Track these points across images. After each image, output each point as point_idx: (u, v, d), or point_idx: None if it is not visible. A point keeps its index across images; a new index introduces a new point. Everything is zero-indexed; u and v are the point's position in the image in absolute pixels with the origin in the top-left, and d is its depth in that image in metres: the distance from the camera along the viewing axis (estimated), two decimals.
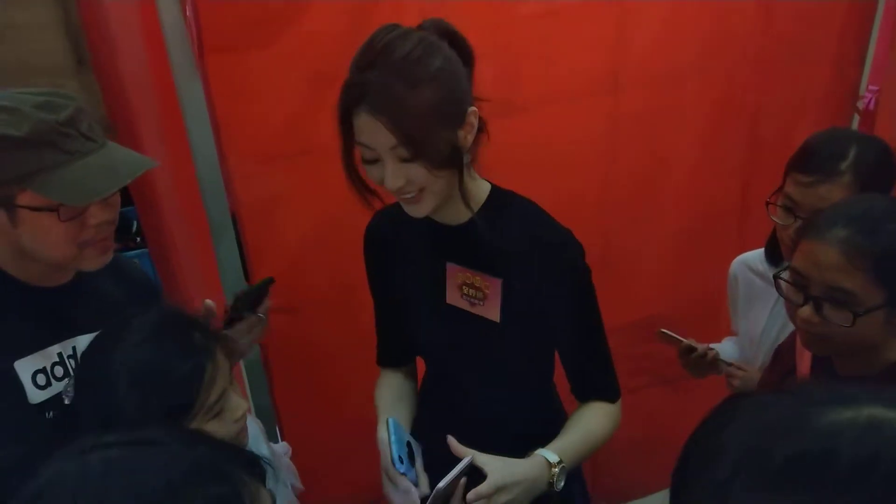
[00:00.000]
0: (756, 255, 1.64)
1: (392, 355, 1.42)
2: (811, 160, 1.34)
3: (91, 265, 1.12)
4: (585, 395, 1.31)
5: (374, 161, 1.06)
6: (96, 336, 1.04)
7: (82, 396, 1.00)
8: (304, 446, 1.63)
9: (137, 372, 0.94)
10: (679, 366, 1.81)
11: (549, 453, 1.17)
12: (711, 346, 1.68)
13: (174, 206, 1.63)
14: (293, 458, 1.48)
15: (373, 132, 1.02)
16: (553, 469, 1.16)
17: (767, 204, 1.41)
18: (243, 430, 1.07)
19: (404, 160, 1.04)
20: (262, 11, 1.39)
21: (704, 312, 2.21)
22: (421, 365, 1.45)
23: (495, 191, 1.22)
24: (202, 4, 1.34)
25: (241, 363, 1.62)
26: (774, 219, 1.40)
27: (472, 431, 1.31)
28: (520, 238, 1.18)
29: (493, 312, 1.21)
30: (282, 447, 1.46)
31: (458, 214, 1.18)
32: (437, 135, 1.04)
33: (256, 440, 1.28)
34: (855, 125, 2.12)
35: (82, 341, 1.13)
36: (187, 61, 1.36)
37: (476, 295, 1.21)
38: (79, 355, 1.11)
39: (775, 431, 0.48)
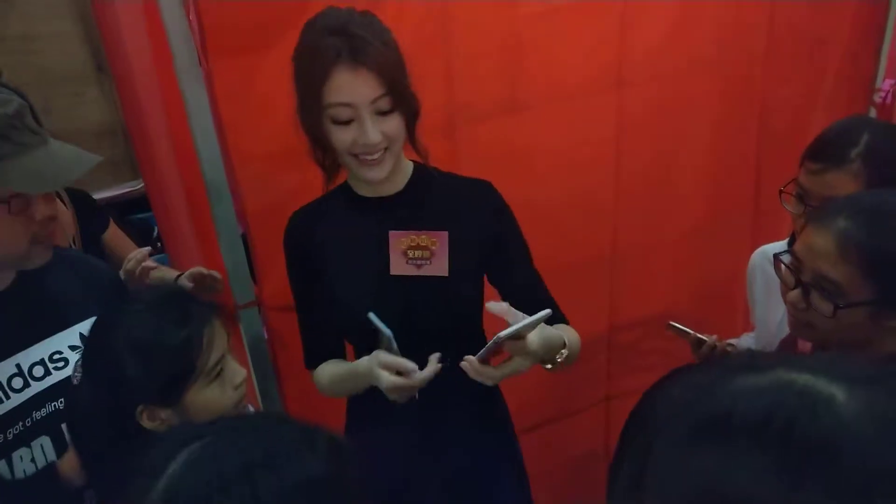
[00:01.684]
0: (777, 247, 1.62)
1: (324, 354, 1.39)
2: (822, 147, 1.32)
3: (37, 262, 1.12)
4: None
5: (348, 122, 1.12)
6: (99, 315, 1.09)
7: (89, 374, 1.04)
8: None
9: (138, 342, 0.99)
10: (692, 360, 1.79)
11: (566, 339, 1.26)
12: (731, 341, 1.66)
13: (186, 211, 1.67)
14: None
15: (355, 86, 1.09)
16: (562, 350, 1.24)
17: (781, 192, 1.39)
18: (244, 398, 1.10)
19: (382, 113, 1.12)
20: (265, 13, 1.40)
21: (718, 308, 2.19)
22: None
23: (417, 165, 1.30)
24: (205, 7, 1.36)
25: (249, 363, 1.63)
26: (787, 207, 1.38)
27: (436, 400, 1.31)
28: (451, 194, 1.29)
29: (441, 267, 1.26)
30: None
31: (395, 183, 1.26)
32: (407, 86, 1.15)
33: None
34: None
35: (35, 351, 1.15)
36: (191, 65, 1.38)
37: (423, 255, 1.25)
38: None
39: (692, 395, 0.53)
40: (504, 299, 1.29)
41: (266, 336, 1.66)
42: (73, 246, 1.81)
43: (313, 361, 1.39)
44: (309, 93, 1.12)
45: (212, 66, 1.41)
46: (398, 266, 1.26)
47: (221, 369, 1.05)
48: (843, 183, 1.27)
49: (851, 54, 2.06)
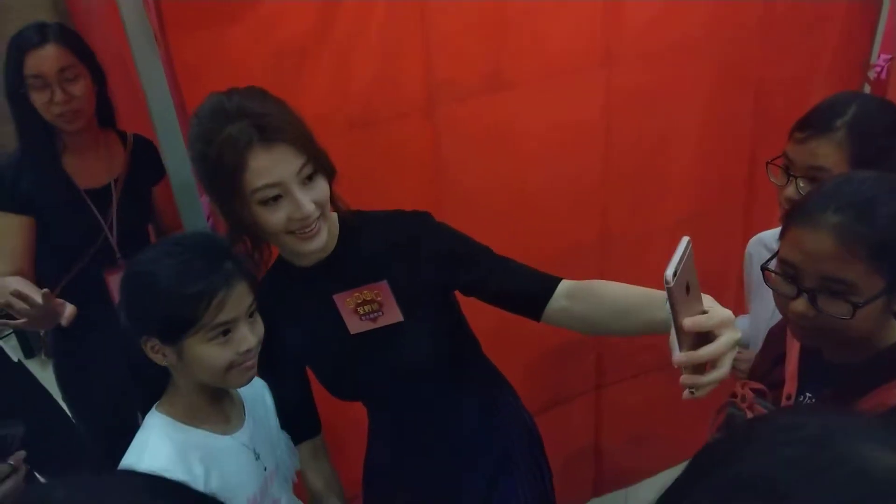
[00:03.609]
0: (774, 234, 1.56)
1: (303, 428, 1.39)
2: (808, 116, 1.30)
3: None
4: (544, 294, 1.20)
5: (276, 199, 1.08)
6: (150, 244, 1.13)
7: (120, 303, 1.10)
8: None
9: (154, 278, 1.04)
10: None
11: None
12: None
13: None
14: None
15: (277, 163, 1.06)
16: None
17: (768, 164, 1.35)
18: (249, 370, 1.11)
19: (308, 179, 1.10)
20: None
21: (710, 293, 2.13)
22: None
23: (341, 213, 1.26)
24: None
25: None
26: (772, 178, 1.35)
27: (448, 441, 1.38)
28: (380, 238, 1.25)
29: (395, 314, 1.24)
30: None
31: (326, 246, 1.20)
32: (318, 146, 1.13)
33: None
34: None
35: None
36: (147, 41, 1.28)
37: (373, 308, 1.24)
38: None
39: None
40: (490, 303, 1.25)
41: None
42: (114, 187, 1.82)
43: (296, 437, 1.37)
44: (227, 187, 1.07)
45: (170, 41, 1.31)
46: (354, 325, 1.25)
47: (230, 331, 1.07)
48: (826, 151, 1.25)
49: (847, 31, 2.00)
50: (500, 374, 1.47)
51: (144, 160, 1.85)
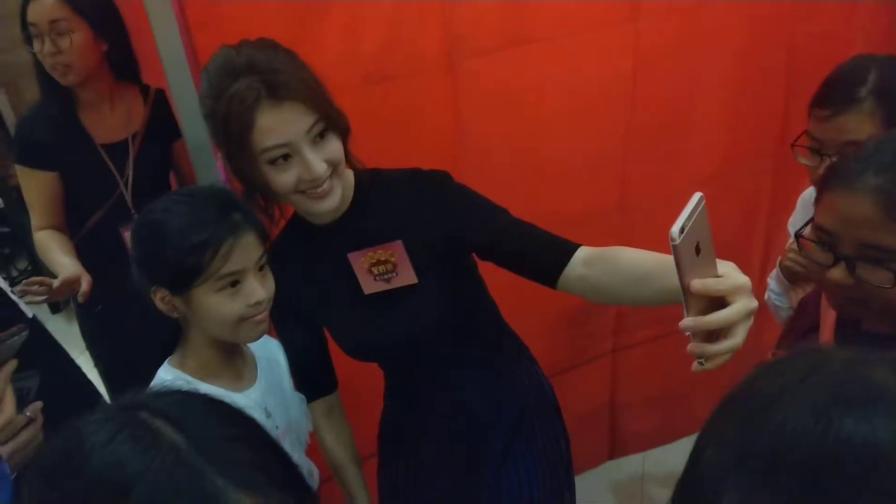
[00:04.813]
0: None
1: (318, 386, 1.37)
2: (828, 92, 1.25)
3: None
4: (561, 261, 1.13)
5: (286, 159, 1.06)
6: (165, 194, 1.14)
7: (132, 254, 1.11)
8: None
9: (162, 226, 1.05)
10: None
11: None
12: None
13: None
14: None
15: (285, 122, 1.03)
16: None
17: (793, 146, 1.30)
18: (260, 324, 1.11)
19: (319, 137, 1.07)
20: None
21: (735, 259, 2.09)
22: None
23: (357, 171, 1.23)
24: None
25: None
26: (802, 160, 1.29)
27: (463, 404, 1.36)
28: (394, 197, 1.22)
29: (409, 275, 1.21)
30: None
31: (339, 207, 1.18)
32: (332, 102, 1.09)
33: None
34: None
35: None
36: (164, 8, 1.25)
37: (387, 269, 1.21)
38: None
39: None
40: (506, 267, 1.21)
41: None
42: (131, 142, 1.82)
43: (309, 394, 1.36)
44: (236, 145, 1.05)
45: (186, 6, 1.28)
46: (368, 285, 1.23)
47: (238, 282, 1.06)
48: (857, 125, 1.20)
49: None
50: (517, 336, 1.45)
51: (165, 116, 1.84)
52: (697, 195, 0.79)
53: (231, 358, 1.17)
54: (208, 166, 1.41)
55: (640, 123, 1.79)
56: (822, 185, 0.96)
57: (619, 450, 2.38)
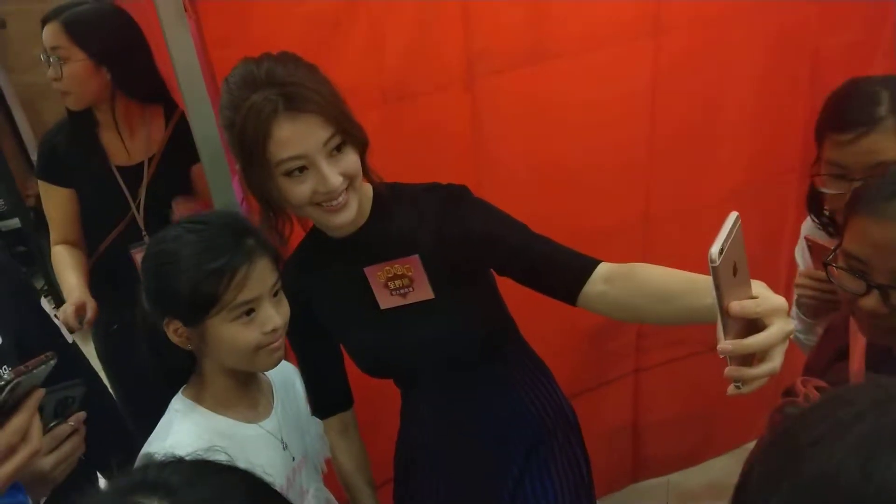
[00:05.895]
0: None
1: (333, 402, 1.37)
2: (843, 116, 1.23)
3: None
4: (581, 278, 1.12)
5: (302, 171, 1.05)
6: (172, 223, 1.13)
7: (142, 284, 1.08)
8: None
9: (173, 257, 1.02)
10: None
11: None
12: None
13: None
14: None
15: (302, 134, 1.03)
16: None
17: (812, 177, 1.30)
18: (276, 352, 1.08)
19: (335, 150, 1.06)
20: None
21: (761, 274, 2.05)
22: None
23: (375, 185, 1.22)
24: None
25: None
26: (826, 190, 1.27)
27: (480, 424, 1.34)
28: (412, 211, 1.21)
29: (426, 290, 1.20)
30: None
31: (358, 218, 1.17)
32: (352, 117, 1.09)
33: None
34: None
35: None
36: (176, 10, 1.23)
37: (403, 283, 1.20)
38: None
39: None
40: (524, 284, 1.20)
41: None
42: (147, 165, 1.80)
43: (320, 412, 1.35)
44: (252, 157, 1.05)
45: (199, 12, 1.26)
46: (385, 300, 1.23)
47: (253, 310, 1.04)
48: (884, 144, 1.19)
49: None
50: (536, 355, 1.42)
51: (186, 139, 1.82)
52: (734, 215, 0.78)
53: (246, 388, 1.15)
54: (224, 187, 1.39)
55: (662, 138, 1.76)
56: (850, 211, 0.93)
57: (642, 473, 2.32)
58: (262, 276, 1.04)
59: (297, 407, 1.27)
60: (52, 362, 0.90)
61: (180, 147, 1.79)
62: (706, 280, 0.85)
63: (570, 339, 1.92)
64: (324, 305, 1.26)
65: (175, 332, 1.05)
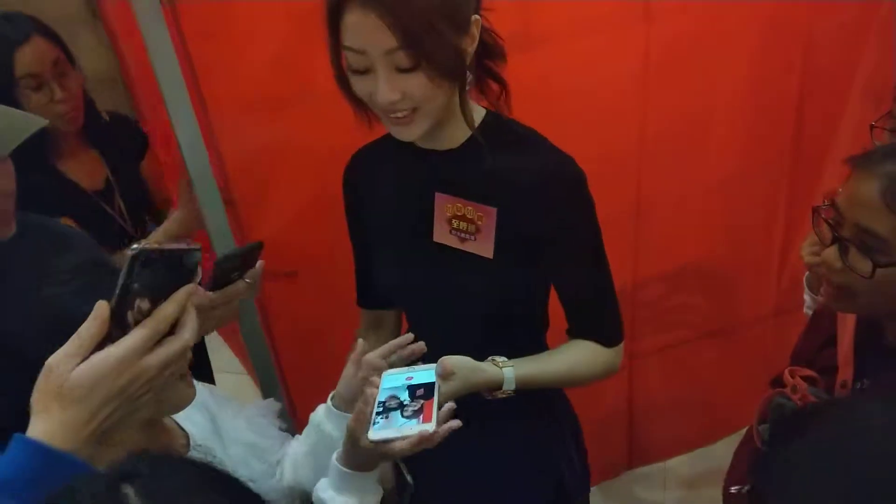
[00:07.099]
0: None
1: (374, 296, 1.31)
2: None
3: None
4: (578, 332, 1.18)
5: (364, 72, 0.94)
6: None
7: None
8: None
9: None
10: (722, 317, 1.63)
11: (500, 358, 1.10)
12: None
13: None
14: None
15: (366, 32, 0.90)
16: (501, 366, 1.08)
17: (872, 127, 1.23)
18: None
19: (402, 70, 0.93)
20: None
21: (748, 266, 2.05)
22: None
23: (491, 115, 1.10)
24: None
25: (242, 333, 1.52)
26: (879, 144, 1.22)
27: (482, 410, 1.20)
28: (518, 165, 1.07)
29: (486, 248, 1.09)
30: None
31: (451, 138, 1.08)
32: (441, 37, 0.91)
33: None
34: None
35: None
36: (153, 7, 1.20)
37: (467, 228, 1.09)
38: None
39: None
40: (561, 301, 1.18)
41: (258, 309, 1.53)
42: (113, 181, 1.71)
43: (362, 300, 1.32)
44: (328, 24, 0.95)
45: (179, 9, 1.24)
46: (441, 234, 1.12)
47: None
48: None
49: None
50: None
51: (125, 138, 1.77)
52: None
53: None
54: (212, 198, 1.38)
55: (653, 126, 1.75)
56: (852, 163, 0.95)
57: (638, 459, 2.33)
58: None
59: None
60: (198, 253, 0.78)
61: (124, 146, 1.76)
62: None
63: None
64: (377, 208, 1.18)
65: None
